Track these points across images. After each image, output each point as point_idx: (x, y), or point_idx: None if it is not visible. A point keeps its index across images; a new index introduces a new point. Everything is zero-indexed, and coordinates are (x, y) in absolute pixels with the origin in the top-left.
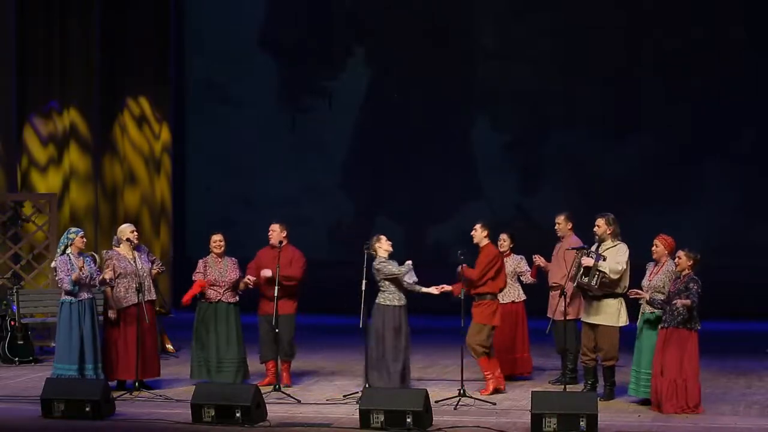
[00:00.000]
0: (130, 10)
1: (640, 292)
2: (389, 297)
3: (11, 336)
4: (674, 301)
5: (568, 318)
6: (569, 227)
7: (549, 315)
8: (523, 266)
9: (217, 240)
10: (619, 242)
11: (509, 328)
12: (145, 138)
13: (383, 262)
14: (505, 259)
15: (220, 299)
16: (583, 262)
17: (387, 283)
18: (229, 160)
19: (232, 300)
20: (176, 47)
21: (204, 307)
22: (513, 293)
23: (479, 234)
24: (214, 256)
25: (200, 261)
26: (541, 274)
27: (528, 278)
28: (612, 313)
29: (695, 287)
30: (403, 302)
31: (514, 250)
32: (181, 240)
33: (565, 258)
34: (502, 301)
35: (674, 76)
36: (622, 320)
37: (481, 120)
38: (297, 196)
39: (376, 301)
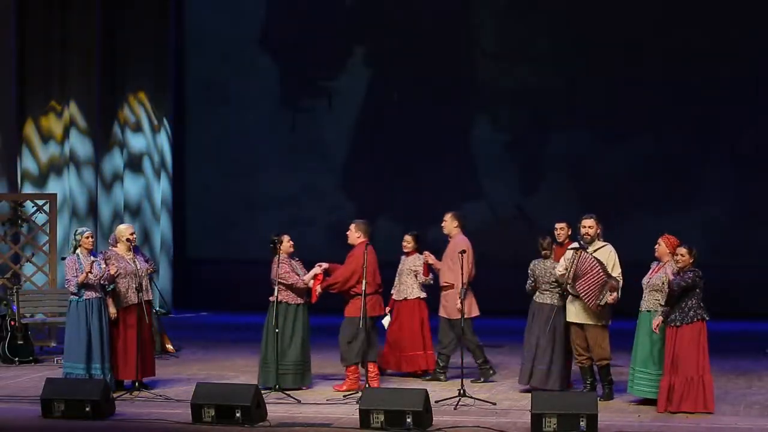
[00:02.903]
0: (130, 10)
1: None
2: (555, 297)
3: (11, 336)
4: (687, 276)
5: (465, 317)
6: (455, 225)
7: (441, 314)
8: (420, 265)
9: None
10: (606, 243)
11: (407, 325)
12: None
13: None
14: (405, 257)
15: (292, 300)
16: (609, 300)
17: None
18: (229, 160)
19: (300, 301)
20: (176, 47)
21: (283, 308)
22: (408, 290)
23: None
24: (286, 256)
25: (285, 264)
26: (435, 271)
27: (422, 277)
28: (599, 313)
29: (692, 275)
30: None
31: (420, 250)
32: (182, 240)
33: (452, 258)
34: (397, 298)
35: (675, 76)
36: (609, 319)
37: (481, 120)
38: (297, 196)
39: (549, 303)
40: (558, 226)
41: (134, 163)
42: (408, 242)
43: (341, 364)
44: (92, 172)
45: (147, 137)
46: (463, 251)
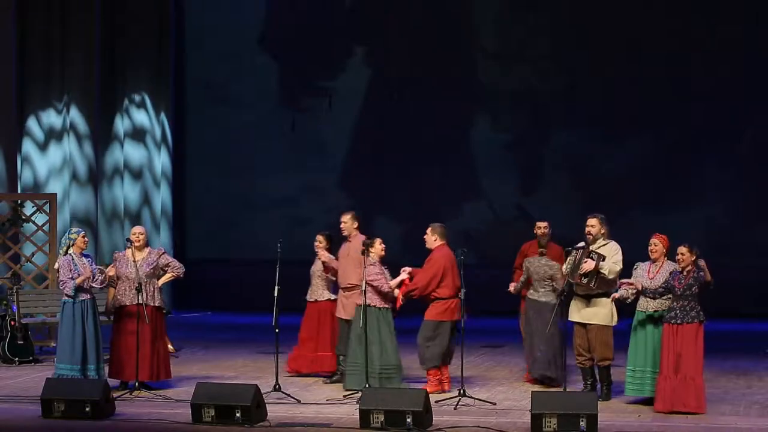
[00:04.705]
0: (130, 10)
1: (630, 282)
2: (551, 295)
3: (11, 336)
4: (701, 274)
5: (346, 318)
6: (355, 226)
7: (341, 316)
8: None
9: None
10: (608, 240)
11: (316, 326)
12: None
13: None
14: (317, 259)
15: (379, 304)
16: (584, 267)
17: None
18: (229, 160)
19: (387, 305)
20: (176, 47)
21: (371, 312)
22: (319, 292)
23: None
24: (378, 259)
25: (376, 266)
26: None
27: (323, 274)
28: (605, 313)
29: (702, 277)
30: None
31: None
32: (181, 240)
33: (351, 255)
34: (308, 299)
35: (674, 75)
36: (615, 319)
37: (481, 120)
38: (297, 196)
39: (545, 300)
40: (540, 224)
41: (134, 170)
42: (320, 242)
43: (430, 366)
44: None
45: (147, 137)
46: (464, 251)
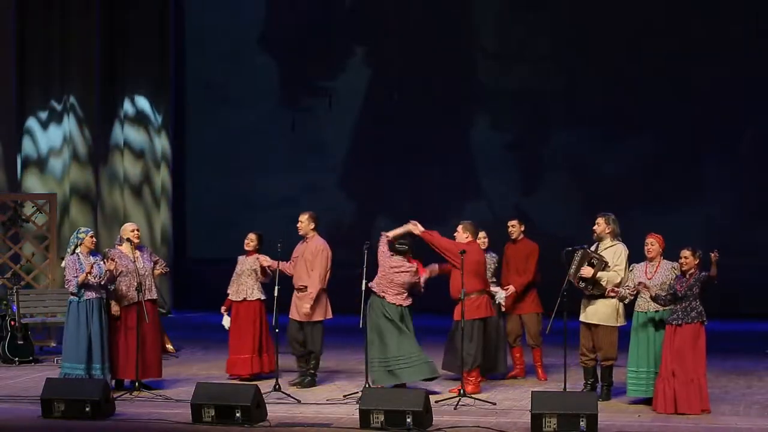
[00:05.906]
0: (130, 10)
1: (645, 285)
2: None
3: (11, 336)
4: (704, 274)
5: (316, 320)
6: (312, 227)
7: (292, 317)
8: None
9: None
10: (617, 242)
11: (246, 326)
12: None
13: None
14: (245, 257)
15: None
16: (584, 272)
17: None
18: (229, 160)
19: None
20: (176, 47)
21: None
22: (248, 291)
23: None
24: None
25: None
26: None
27: (260, 276)
28: (610, 314)
29: (705, 275)
30: None
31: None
32: (182, 240)
33: (310, 261)
34: (236, 299)
35: (674, 75)
36: (621, 320)
37: (481, 120)
38: (297, 195)
39: None
40: (510, 223)
41: (135, 153)
42: (252, 240)
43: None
44: (93, 172)
45: (147, 137)
46: (464, 251)
